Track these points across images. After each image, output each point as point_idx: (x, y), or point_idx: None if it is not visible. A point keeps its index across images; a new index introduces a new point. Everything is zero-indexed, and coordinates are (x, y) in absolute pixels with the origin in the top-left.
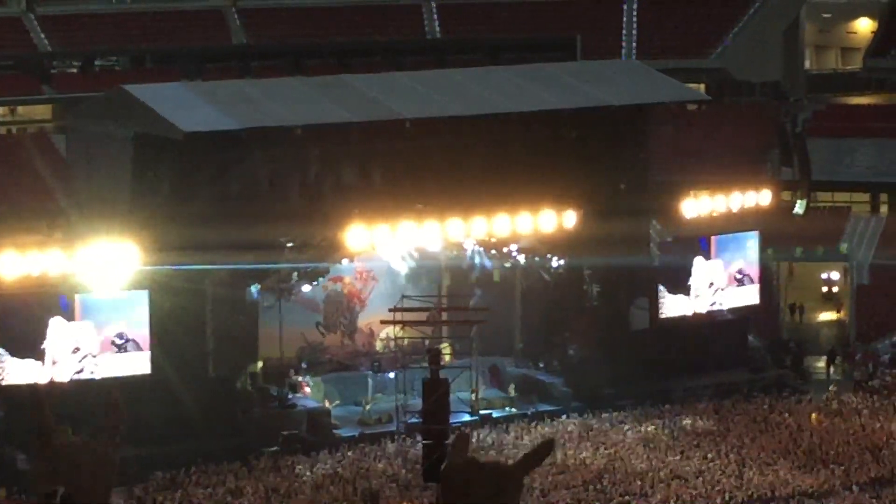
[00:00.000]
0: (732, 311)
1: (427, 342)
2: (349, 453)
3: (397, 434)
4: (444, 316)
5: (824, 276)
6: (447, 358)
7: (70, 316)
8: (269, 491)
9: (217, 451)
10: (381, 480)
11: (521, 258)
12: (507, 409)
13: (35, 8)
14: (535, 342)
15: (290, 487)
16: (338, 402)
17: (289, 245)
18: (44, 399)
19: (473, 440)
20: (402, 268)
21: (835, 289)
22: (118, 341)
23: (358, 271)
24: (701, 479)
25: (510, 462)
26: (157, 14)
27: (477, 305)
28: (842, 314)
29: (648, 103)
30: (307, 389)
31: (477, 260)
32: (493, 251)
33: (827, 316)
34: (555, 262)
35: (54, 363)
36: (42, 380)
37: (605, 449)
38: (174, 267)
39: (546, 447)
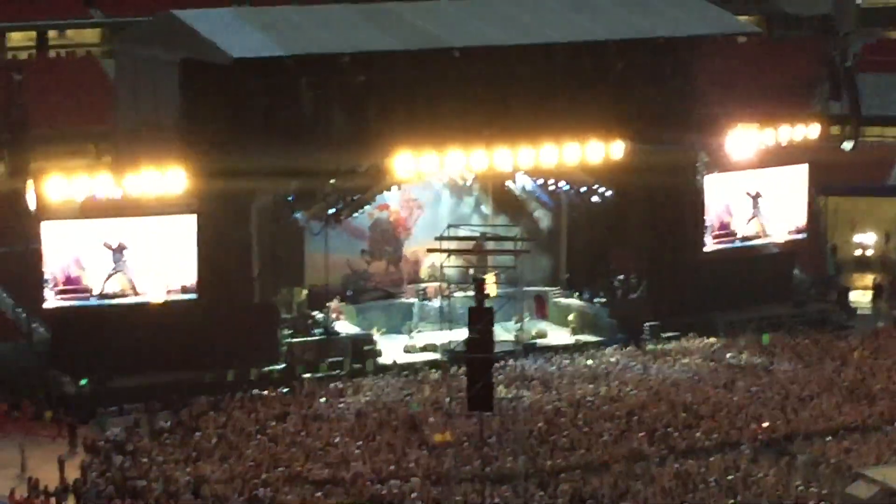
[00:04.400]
0: (778, 245)
1: (472, 271)
2: (393, 381)
3: (441, 362)
4: (490, 245)
5: (857, 238)
6: (492, 287)
7: None
8: (313, 416)
9: (261, 376)
10: (424, 408)
11: (568, 188)
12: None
13: None
14: (580, 273)
15: (334, 413)
16: (383, 329)
17: (336, 172)
18: None
19: (517, 370)
20: (448, 196)
21: (868, 252)
22: None
23: (404, 199)
24: (744, 412)
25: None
26: None
27: (523, 235)
28: (878, 279)
29: (697, 35)
30: (340, 316)
31: (523, 188)
32: (540, 180)
33: (862, 282)
34: (601, 194)
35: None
36: None
37: (649, 381)
38: (221, 192)
39: None
